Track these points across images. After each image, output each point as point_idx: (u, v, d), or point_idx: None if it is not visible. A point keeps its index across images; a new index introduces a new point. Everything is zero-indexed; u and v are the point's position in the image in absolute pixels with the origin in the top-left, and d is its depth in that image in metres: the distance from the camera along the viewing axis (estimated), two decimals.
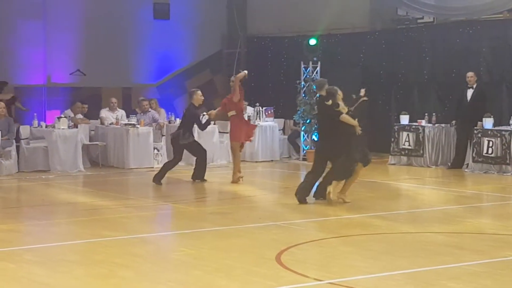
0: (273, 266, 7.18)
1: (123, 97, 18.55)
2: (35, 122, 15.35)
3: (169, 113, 16.89)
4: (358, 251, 7.95)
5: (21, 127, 15.13)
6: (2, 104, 14.93)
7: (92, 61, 18.36)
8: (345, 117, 10.71)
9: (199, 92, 13.46)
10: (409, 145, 15.88)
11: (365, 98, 11.16)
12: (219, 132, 16.65)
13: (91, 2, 18.55)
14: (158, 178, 13.03)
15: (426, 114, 16.00)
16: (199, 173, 13.44)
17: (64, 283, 6.71)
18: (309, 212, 10.81)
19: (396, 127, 16.14)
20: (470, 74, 15.20)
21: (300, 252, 7.90)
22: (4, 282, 6.69)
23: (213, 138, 16.28)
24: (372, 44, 17.75)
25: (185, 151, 13.46)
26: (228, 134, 16.83)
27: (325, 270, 7.08)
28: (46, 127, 15.20)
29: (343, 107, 10.78)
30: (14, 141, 14.62)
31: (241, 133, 13.31)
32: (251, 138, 14.00)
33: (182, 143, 13.18)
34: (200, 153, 13.49)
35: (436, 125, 15.83)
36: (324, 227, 9.48)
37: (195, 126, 13.69)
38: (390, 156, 16.18)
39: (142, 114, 16.31)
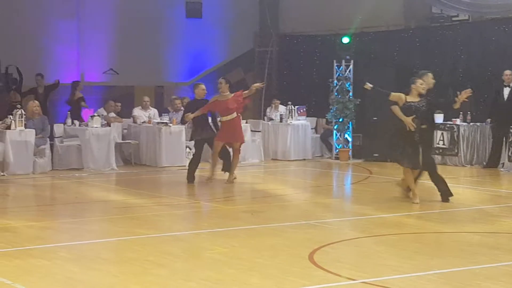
0: (306, 265, 7.14)
1: (155, 96, 18.64)
2: (69, 121, 15.46)
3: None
4: (392, 250, 7.87)
5: (55, 125, 15.27)
6: (37, 102, 15.07)
7: (125, 60, 18.46)
8: (393, 108, 10.59)
9: (202, 86, 13.27)
10: (444, 144, 15.73)
11: (465, 100, 10.98)
12: (251, 130, 16.65)
13: (124, 1, 18.66)
14: (189, 178, 13.03)
15: (461, 112, 15.82)
16: (226, 165, 13.22)
17: (98, 280, 6.73)
18: (342, 211, 10.77)
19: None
20: (507, 72, 15.00)
21: (333, 251, 7.85)
22: (39, 278, 6.74)
23: (245, 136, 16.23)
24: (406, 42, 17.58)
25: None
26: (259, 133, 16.89)
27: (358, 269, 7.02)
28: (79, 125, 15.31)
29: (399, 97, 10.60)
30: (48, 139, 14.75)
31: (227, 134, 12.92)
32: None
33: (196, 139, 13.12)
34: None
35: (471, 123, 15.66)
36: (357, 226, 9.42)
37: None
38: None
39: (174, 112, 16.37)
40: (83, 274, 6.90)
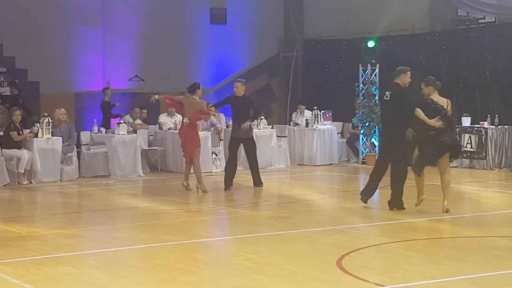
0: (334, 271, 7.10)
1: None
2: (95, 128, 15.54)
3: (228, 117, 16.90)
4: (421, 255, 7.81)
5: (81, 132, 15.36)
6: (63, 110, 15.15)
7: (150, 66, 18.54)
8: None
9: (238, 84, 13.18)
10: (471, 148, 15.59)
11: None
12: (277, 136, 16.61)
13: (149, 8, 18.75)
14: (227, 184, 13.03)
15: (488, 115, 15.69)
16: (254, 178, 13.26)
17: (126, 287, 6.74)
18: (370, 216, 10.69)
19: (458, 129, 15.82)
20: None
21: (361, 257, 7.80)
22: (67, 286, 6.76)
23: (271, 142, 16.25)
24: (432, 46, 17.47)
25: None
26: (285, 138, 16.78)
27: (387, 275, 6.97)
28: (106, 132, 15.38)
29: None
30: (75, 146, 14.84)
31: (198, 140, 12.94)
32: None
33: (231, 136, 13.13)
34: (248, 151, 13.20)
35: (499, 126, 15.52)
36: (385, 232, 9.35)
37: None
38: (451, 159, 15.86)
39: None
40: (111, 281, 6.92)
